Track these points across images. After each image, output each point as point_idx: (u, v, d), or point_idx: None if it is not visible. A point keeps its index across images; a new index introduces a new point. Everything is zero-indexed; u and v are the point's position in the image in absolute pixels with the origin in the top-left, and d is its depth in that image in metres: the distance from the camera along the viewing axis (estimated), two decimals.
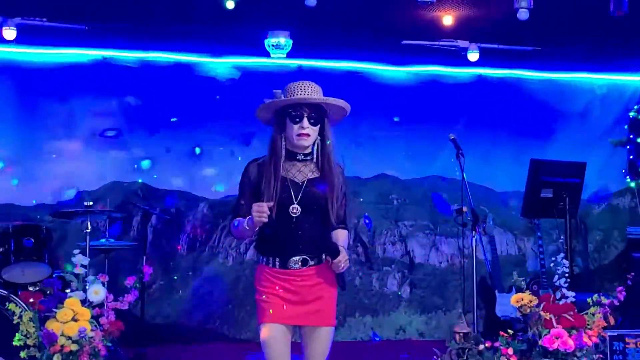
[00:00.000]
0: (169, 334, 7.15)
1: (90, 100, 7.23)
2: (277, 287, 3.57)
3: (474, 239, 5.85)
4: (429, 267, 7.86)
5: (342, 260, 3.47)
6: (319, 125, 3.59)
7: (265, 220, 3.43)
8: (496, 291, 6.90)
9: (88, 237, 5.57)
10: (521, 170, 6.78)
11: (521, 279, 5.38)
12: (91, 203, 5.72)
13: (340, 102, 3.68)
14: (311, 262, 3.57)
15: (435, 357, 5.21)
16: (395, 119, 7.83)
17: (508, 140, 7.89)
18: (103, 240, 6.05)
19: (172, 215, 7.17)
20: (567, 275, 5.26)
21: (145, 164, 7.34)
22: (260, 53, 6.82)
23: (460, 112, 7.85)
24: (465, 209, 6.00)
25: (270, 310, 3.55)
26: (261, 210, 3.42)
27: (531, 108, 7.92)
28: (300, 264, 3.56)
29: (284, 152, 3.59)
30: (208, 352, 6.78)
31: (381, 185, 7.83)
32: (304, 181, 3.59)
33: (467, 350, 5.10)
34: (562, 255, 5.38)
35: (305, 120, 3.54)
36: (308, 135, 3.56)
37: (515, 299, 5.23)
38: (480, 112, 7.88)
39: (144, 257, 6.05)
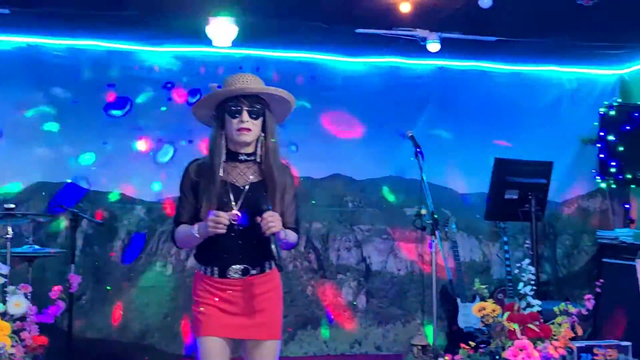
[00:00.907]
0: (101, 350, 7.05)
1: (14, 92, 7.09)
2: (215, 298, 3.57)
3: (434, 244, 5.91)
4: (386, 275, 7.88)
5: (268, 217, 3.42)
6: (260, 120, 3.58)
7: (223, 232, 3.42)
8: (459, 300, 6.96)
9: (9, 244, 5.45)
10: (486, 170, 6.85)
11: (484, 286, 5.44)
12: (13, 206, 5.60)
13: (282, 93, 3.68)
14: (253, 272, 3.58)
15: None
16: (350, 112, 7.82)
17: (471, 137, 7.95)
18: (26, 247, 5.93)
19: (105, 219, 7.07)
20: (533, 282, 5.33)
21: (76, 162, 7.22)
22: (202, 42, 6.76)
23: (421, 107, 7.91)
24: (424, 211, 6.05)
25: (208, 323, 3.55)
26: (219, 222, 3.41)
27: (496, 103, 8.01)
28: (240, 273, 3.56)
29: (224, 152, 3.58)
30: None
31: (335, 186, 7.83)
32: (245, 185, 3.59)
33: None
34: (527, 261, 5.44)
35: (244, 113, 3.54)
36: (249, 129, 3.56)
37: (477, 308, 5.28)
38: (441, 107, 7.95)
39: (72, 266, 5.93)
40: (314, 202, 7.75)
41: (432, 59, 7.66)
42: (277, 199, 3.58)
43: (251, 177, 3.61)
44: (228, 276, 3.56)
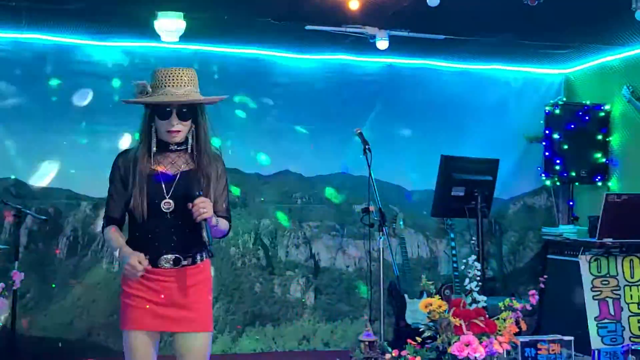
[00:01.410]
0: (46, 348, 6.95)
1: None
2: (144, 289, 3.52)
3: (381, 241, 5.94)
4: (335, 272, 7.92)
5: (200, 202, 3.40)
6: (190, 119, 3.56)
7: (137, 276, 3.40)
8: (406, 296, 7.01)
9: None
10: (433, 168, 6.90)
11: (430, 282, 5.49)
12: None
13: (211, 99, 3.66)
14: (184, 262, 3.55)
15: None
16: (298, 109, 7.82)
17: (420, 134, 8.04)
18: None
19: (50, 215, 6.97)
20: (478, 278, 5.40)
21: (19, 157, 7.09)
22: (150, 36, 6.69)
23: (370, 105, 7.95)
24: (372, 208, 6.08)
25: (135, 315, 3.51)
26: (136, 269, 3.38)
27: (444, 100, 8.09)
28: (172, 263, 3.53)
29: (154, 142, 3.55)
30: None
31: (284, 183, 7.84)
32: (177, 173, 3.56)
33: (372, 359, 5.16)
34: (473, 257, 5.52)
35: (173, 117, 3.50)
36: (179, 131, 3.53)
37: (423, 304, 5.33)
38: (391, 105, 8.00)
39: (16, 263, 5.84)
40: (262, 199, 7.74)
41: (381, 57, 7.69)
42: (209, 187, 3.56)
43: (182, 165, 3.57)
44: (159, 266, 3.51)
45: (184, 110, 3.50)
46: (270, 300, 7.70)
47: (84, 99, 7.22)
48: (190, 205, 3.42)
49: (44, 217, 6.54)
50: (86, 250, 7.21)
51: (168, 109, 3.48)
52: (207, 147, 3.61)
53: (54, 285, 7.10)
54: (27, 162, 7.10)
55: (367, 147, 5.97)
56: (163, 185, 3.51)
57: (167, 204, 3.48)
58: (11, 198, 6.77)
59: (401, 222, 7.42)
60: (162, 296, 3.52)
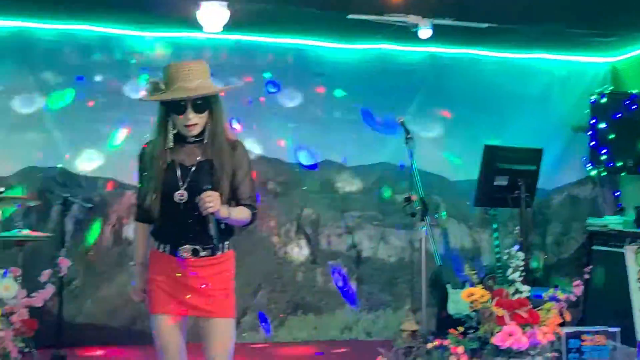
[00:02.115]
0: (92, 335, 7.06)
1: (4, 76, 7.08)
2: (167, 275, 3.60)
3: (423, 231, 5.92)
4: (377, 262, 7.91)
5: (205, 197, 3.42)
6: (206, 110, 3.58)
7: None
8: (448, 287, 6.97)
9: None
10: (476, 157, 6.84)
11: (473, 272, 5.45)
12: (3, 189, 5.59)
13: (220, 89, 3.69)
14: (203, 253, 3.59)
15: (379, 357, 5.25)
16: (341, 99, 7.82)
17: (462, 124, 7.97)
18: (16, 231, 5.92)
19: (96, 204, 7.06)
20: (521, 268, 5.34)
21: (66, 147, 7.19)
22: (193, 27, 6.73)
23: (412, 94, 7.90)
24: (414, 197, 6.05)
25: (160, 300, 3.60)
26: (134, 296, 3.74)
27: (486, 90, 8.01)
28: (190, 253, 3.58)
29: (171, 136, 3.58)
30: (135, 356, 6.69)
31: (326, 172, 7.84)
32: (193, 165, 3.59)
33: (414, 349, 5.16)
34: (516, 247, 5.45)
35: (189, 110, 3.52)
36: (195, 124, 3.55)
37: (466, 293, 5.29)
38: (433, 94, 7.95)
39: (63, 250, 5.92)
40: (304, 188, 7.76)
41: (423, 46, 7.64)
42: (223, 177, 3.57)
43: (199, 156, 3.60)
44: (178, 255, 3.57)
45: (198, 102, 3.52)
46: (312, 290, 7.71)
47: (129, 89, 7.29)
48: (196, 199, 3.45)
49: (89, 205, 6.61)
50: (130, 239, 7.28)
51: (182, 104, 3.50)
52: (222, 137, 3.61)
53: (99, 273, 7.20)
54: (73, 151, 7.20)
55: (409, 136, 5.96)
56: (179, 177, 3.54)
57: (181, 195, 3.51)
58: (58, 187, 6.88)
59: (444, 212, 7.37)
60: (183, 283, 3.59)
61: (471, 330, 5.20)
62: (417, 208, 5.99)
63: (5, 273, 4.63)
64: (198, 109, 3.52)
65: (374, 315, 7.82)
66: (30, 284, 4.83)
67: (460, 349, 5.05)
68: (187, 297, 3.58)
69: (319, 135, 7.78)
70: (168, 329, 3.60)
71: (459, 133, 7.95)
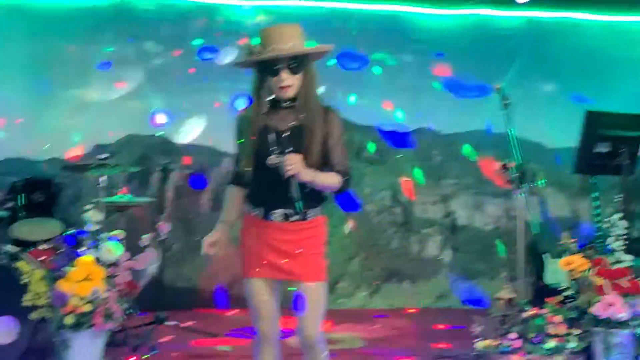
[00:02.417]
0: (191, 298, 7.26)
1: (107, 47, 7.26)
2: (260, 239, 3.64)
3: (521, 198, 5.80)
4: (472, 230, 7.84)
5: (287, 159, 3.45)
6: (301, 72, 3.58)
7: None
8: (546, 256, 6.83)
9: (102, 193, 5.59)
10: (577, 124, 6.65)
11: (572, 241, 5.33)
12: (106, 156, 5.73)
13: (317, 49, 3.66)
14: (294, 217, 3.62)
15: (475, 325, 5.19)
16: (437, 67, 7.70)
17: (562, 90, 7.77)
18: (118, 196, 6.07)
19: (194, 171, 7.19)
20: (623, 237, 5.18)
21: (165, 115, 7.34)
22: None
23: (509, 60, 7.70)
24: (512, 164, 5.93)
25: (252, 264, 3.65)
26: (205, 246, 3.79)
27: (589, 55, 7.77)
28: (282, 217, 3.61)
29: (267, 101, 3.62)
30: (233, 319, 6.82)
31: (421, 140, 7.78)
32: (286, 129, 3.60)
33: (510, 317, 5.08)
34: (617, 215, 5.30)
35: (284, 72, 3.53)
36: (289, 86, 3.56)
37: (564, 262, 5.19)
38: (531, 60, 7.75)
39: (162, 215, 6.06)
40: (400, 156, 7.71)
41: (521, 10, 7.45)
42: (314, 141, 3.58)
43: (292, 121, 3.62)
44: (271, 219, 3.60)
45: (292, 64, 3.53)
46: (406, 257, 7.69)
47: (227, 57, 7.34)
48: (281, 159, 3.48)
49: (188, 172, 6.72)
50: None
51: (276, 67, 3.51)
52: (315, 102, 3.62)
53: (198, 238, 7.32)
54: (173, 119, 7.34)
55: (506, 102, 5.82)
56: (272, 142, 3.56)
57: (274, 160, 3.53)
58: (158, 155, 7.03)
59: (542, 180, 7.19)
60: (275, 247, 3.62)
61: (569, 300, 5.11)
62: (515, 175, 5.86)
63: (112, 238, 4.77)
64: (292, 71, 3.53)
65: (470, 284, 7.73)
66: (131, 248, 4.97)
67: (558, 318, 4.97)
68: (283, 261, 3.62)
69: (414, 102, 7.70)
70: (261, 292, 3.65)
71: (559, 100, 7.75)
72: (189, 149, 7.37)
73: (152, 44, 7.36)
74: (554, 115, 7.76)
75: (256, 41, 3.58)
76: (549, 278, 6.37)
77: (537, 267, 6.81)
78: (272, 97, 3.62)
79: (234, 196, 3.76)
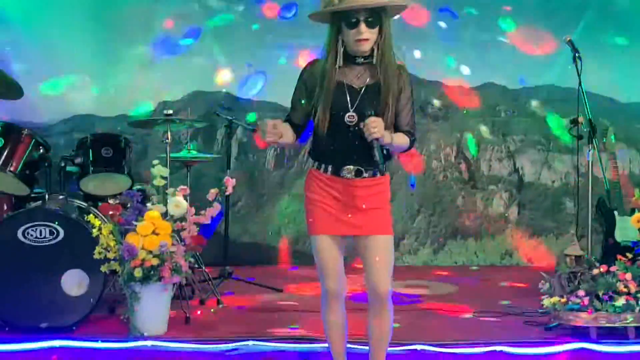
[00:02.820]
0: (256, 254, 7.34)
1: (171, 3, 7.31)
2: (327, 196, 3.61)
3: (590, 154, 5.68)
4: (540, 187, 7.72)
5: (371, 122, 3.39)
6: (377, 26, 3.52)
7: (264, 137, 3.45)
8: (616, 213, 6.70)
9: (168, 148, 5.64)
10: None
11: None
12: (171, 111, 5.77)
13: (399, 2, 3.57)
14: (365, 174, 3.59)
15: (542, 282, 5.13)
16: (504, 19, 7.53)
17: (636, 43, 7.51)
18: (184, 152, 6.12)
19: (258, 127, 7.21)
20: None
21: (230, 72, 7.37)
22: None
23: (579, 12, 7.48)
24: (581, 119, 5.80)
25: (320, 221, 3.62)
26: (265, 125, 3.45)
27: None
28: (353, 173, 3.58)
29: (341, 55, 3.54)
30: (297, 276, 6.86)
31: (488, 95, 7.66)
32: (362, 87, 3.56)
33: (579, 274, 5.00)
34: None
35: (362, 24, 3.47)
36: (367, 40, 3.50)
37: (636, 219, 5.09)
38: (602, 12, 7.51)
39: (228, 171, 6.11)
40: (465, 111, 7.61)
41: None
42: (389, 100, 3.54)
43: (368, 79, 3.57)
44: (341, 175, 3.58)
45: (371, 18, 3.47)
46: (472, 214, 7.63)
47: (288, 12, 7.31)
48: (361, 124, 3.44)
49: (253, 128, 6.72)
50: (292, 161, 7.45)
51: (355, 19, 3.46)
52: (392, 59, 3.56)
53: (263, 194, 7.40)
54: (236, 75, 7.37)
55: (577, 55, 5.68)
56: (348, 98, 3.53)
57: (351, 117, 3.51)
58: (222, 110, 7.06)
59: (612, 136, 7.01)
60: (344, 203, 3.61)
61: None
62: (585, 130, 5.74)
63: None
64: (370, 25, 3.47)
65: (536, 241, 7.65)
66: (198, 202, 5.03)
67: (629, 276, 4.88)
68: (349, 216, 3.61)
69: (481, 56, 7.56)
70: (329, 248, 3.63)
71: (632, 52, 7.50)
72: (253, 105, 7.39)
73: (216, 1, 7.34)
74: (626, 68, 7.53)
75: None
76: (620, 235, 6.26)
77: (607, 224, 6.69)
78: (345, 52, 3.55)
79: (287, 125, 3.63)
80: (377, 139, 3.43)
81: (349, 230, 3.65)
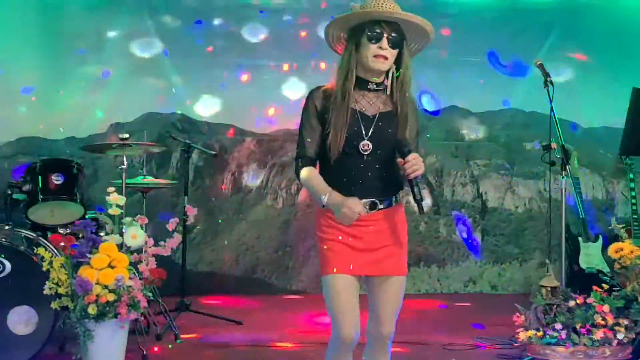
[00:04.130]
0: (212, 283, 7.12)
1: (123, 20, 7.06)
2: (341, 235, 3.37)
3: (564, 181, 5.58)
4: (503, 213, 7.63)
5: (412, 159, 3.20)
6: (397, 50, 3.34)
7: (352, 221, 3.25)
8: (580, 240, 6.62)
9: (124, 175, 5.37)
10: (614, 102, 6.43)
11: (620, 225, 5.17)
12: (127, 135, 5.49)
13: (427, 25, 3.39)
14: (380, 206, 3.36)
15: (517, 314, 5.01)
16: (466, 41, 7.44)
17: (599, 67, 7.50)
18: (140, 177, 5.85)
19: (216, 151, 6.98)
20: None
21: (184, 93, 7.15)
22: None
23: (543, 36, 7.44)
24: (554, 145, 5.69)
25: (334, 260, 3.36)
26: (353, 211, 3.23)
27: (628, 30, 7.45)
28: (368, 207, 3.34)
29: (354, 78, 3.35)
30: (255, 305, 6.67)
31: (451, 119, 7.58)
32: (375, 114, 3.37)
33: (555, 306, 4.89)
34: None
35: (384, 40, 3.29)
36: (386, 58, 3.31)
37: (614, 249, 5.03)
38: (566, 36, 7.47)
39: (186, 198, 5.85)
40: (428, 135, 7.51)
41: None
42: (405, 130, 3.37)
43: (381, 106, 3.39)
44: None
45: (394, 35, 3.30)
46: (435, 241, 7.50)
47: (248, 33, 7.12)
48: (400, 161, 3.24)
49: (213, 152, 6.48)
50: (251, 186, 7.24)
51: (379, 30, 3.29)
52: (407, 90, 3.40)
53: (220, 221, 7.19)
54: (192, 96, 7.16)
55: (548, 79, 5.57)
56: (362, 126, 3.35)
57: (366, 146, 3.31)
58: (178, 133, 6.84)
59: (576, 161, 6.96)
60: (359, 240, 3.37)
61: (616, 288, 4.93)
62: (558, 157, 5.62)
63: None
64: (392, 42, 3.30)
65: (500, 268, 7.55)
66: (153, 231, 4.77)
67: (606, 308, 4.80)
68: (365, 253, 3.36)
69: (443, 79, 7.45)
70: (347, 289, 3.36)
71: (595, 77, 7.48)
72: (210, 127, 7.17)
73: (171, 18, 7.13)
74: (589, 93, 7.49)
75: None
76: (584, 262, 6.18)
77: (571, 251, 6.61)
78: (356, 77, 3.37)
79: (315, 173, 3.40)
80: (417, 177, 3.23)
81: (365, 269, 3.38)
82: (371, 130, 3.34)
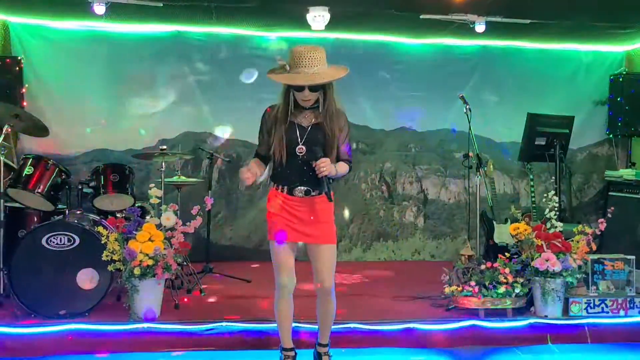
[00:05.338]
0: (231, 253, 7.02)
1: (168, 67, 6.96)
2: (283, 209, 3.45)
3: (478, 180, 5.57)
4: (439, 203, 7.55)
5: (320, 163, 3.29)
6: (320, 89, 3.38)
7: (245, 182, 3.39)
8: (494, 222, 6.56)
9: (163, 175, 5.38)
10: (516, 125, 6.38)
11: (517, 211, 5.17)
12: (165, 147, 5.49)
13: (335, 76, 3.39)
14: (313, 193, 3.45)
15: (444, 275, 4.98)
16: (413, 81, 7.36)
17: (507, 100, 7.44)
18: (175, 177, 5.84)
19: (234, 159, 6.92)
20: (556, 209, 4.99)
21: (212, 117, 7.05)
22: (303, 27, 6.39)
23: (467, 77, 7.36)
24: (471, 154, 5.66)
25: (277, 229, 3.45)
26: (243, 175, 3.39)
27: (527, 73, 7.41)
28: (303, 193, 3.42)
29: (292, 103, 3.41)
30: (262, 268, 6.55)
31: (402, 136, 7.49)
32: (309, 125, 3.42)
33: (470, 269, 4.88)
34: (553, 192, 5.11)
35: (306, 90, 3.35)
36: (309, 100, 3.38)
37: (512, 228, 5.03)
38: (485, 77, 7.41)
39: (209, 192, 5.81)
40: (385, 148, 7.42)
41: (477, 39, 7.08)
42: (332, 138, 3.43)
43: (313, 119, 3.45)
44: (294, 194, 3.45)
45: (313, 85, 3.35)
46: (391, 223, 7.44)
47: (251, 77, 7.03)
48: (314, 163, 3.33)
49: (228, 159, 6.48)
50: (259, 185, 7.15)
51: (302, 87, 3.34)
52: (332, 108, 3.45)
53: (236, 209, 7.11)
54: (216, 120, 7.07)
55: (468, 107, 5.55)
56: (298, 134, 3.40)
57: (301, 149, 3.41)
58: (206, 146, 6.79)
59: (491, 166, 6.89)
60: (296, 216, 3.45)
61: (515, 256, 4.91)
62: (474, 162, 5.61)
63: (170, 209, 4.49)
64: (313, 89, 3.35)
65: (437, 242, 7.48)
66: (186, 216, 4.71)
67: (507, 270, 4.80)
68: (301, 226, 3.43)
69: (396, 107, 7.37)
70: (283, 251, 3.46)
71: (504, 107, 7.41)
72: (229, 142, 7.09)
73: (202, 65, 7.04)
74: (500, 118, 7.43)
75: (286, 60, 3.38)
76: (497, 238, 6.13)
77: (488, 230, 6.55)
78: (295, 101, 3.42)
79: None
80: (325, 175, 3.30)
81: (301, 238, 3.47)
82: (305, 137, 3.37)
